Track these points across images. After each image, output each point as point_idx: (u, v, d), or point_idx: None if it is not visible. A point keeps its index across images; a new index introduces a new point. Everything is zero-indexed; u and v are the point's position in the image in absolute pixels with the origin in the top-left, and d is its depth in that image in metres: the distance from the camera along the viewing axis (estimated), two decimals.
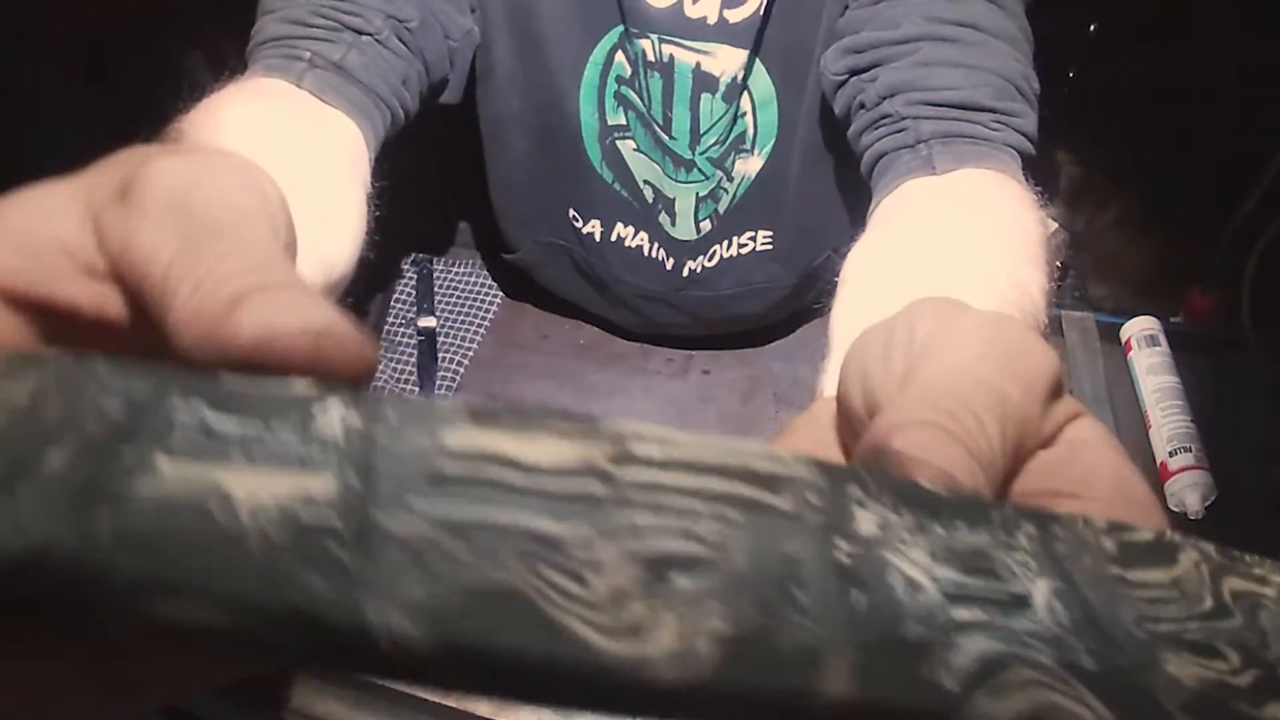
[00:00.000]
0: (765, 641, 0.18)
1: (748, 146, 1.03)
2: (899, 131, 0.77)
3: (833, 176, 1.04)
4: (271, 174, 0.25)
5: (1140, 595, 0.21)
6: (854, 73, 0.81)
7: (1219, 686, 0.20)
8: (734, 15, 0.93)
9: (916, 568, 0.20)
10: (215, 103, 0.68)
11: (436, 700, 0.80)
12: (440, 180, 1.31)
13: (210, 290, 0.21)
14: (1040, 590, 0.21)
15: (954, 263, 0.62)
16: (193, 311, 0.21)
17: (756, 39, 0.94)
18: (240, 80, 0.75)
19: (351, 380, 0.21)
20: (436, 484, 0.19)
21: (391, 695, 0.80)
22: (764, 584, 0.19)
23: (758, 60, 0.96)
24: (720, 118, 1.00)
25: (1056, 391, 0.25)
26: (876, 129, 0.79)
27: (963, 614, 0.19)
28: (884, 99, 0.78)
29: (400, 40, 0.84)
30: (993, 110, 0.75)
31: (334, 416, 0.19)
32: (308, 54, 0.77)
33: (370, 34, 0.81)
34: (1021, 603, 0.20)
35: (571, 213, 1.13)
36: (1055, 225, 1.24)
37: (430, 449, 0.19)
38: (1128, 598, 0.21)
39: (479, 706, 0.80)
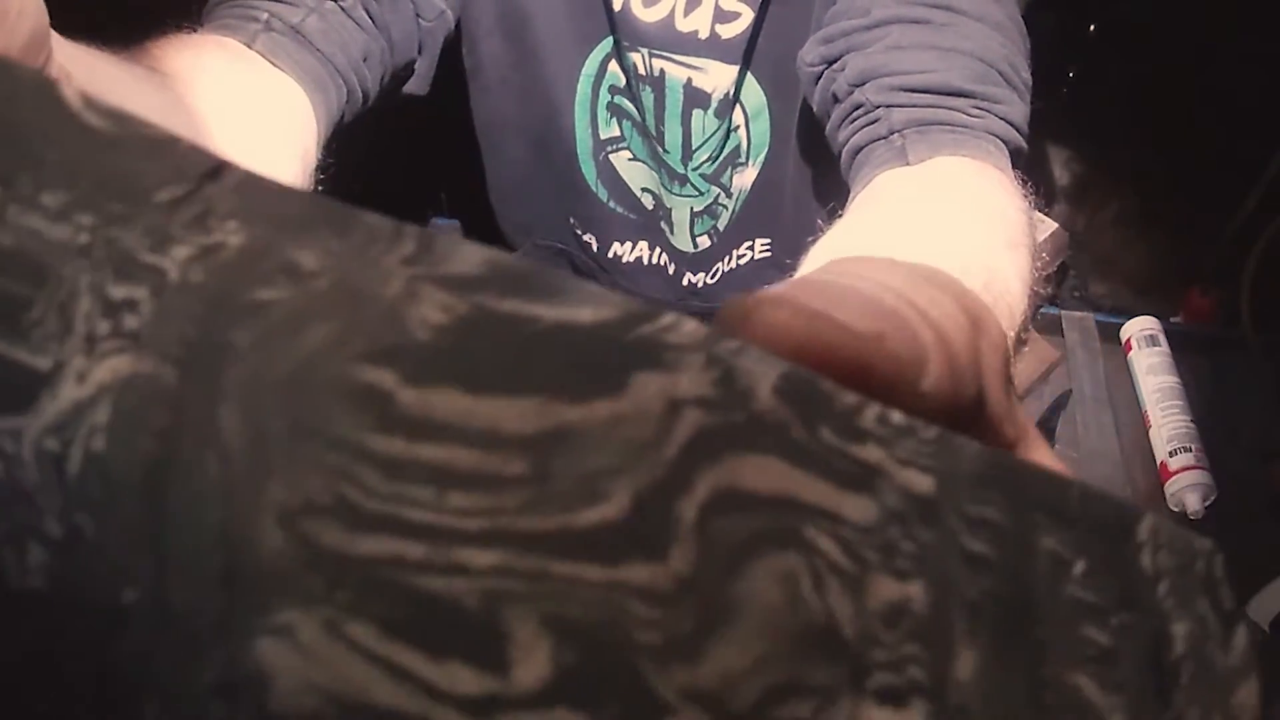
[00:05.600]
0: None
1: (743, 160, 0.95)
2: (872, 123, 0.67)
3: (827, 178, 0.96)
4: (188, 134, 0.19)
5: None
6: (827, 63, 0.73)
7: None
8: (726, 31, 0.86)
9: None
10: (143, 52, 0.58)
11: None
12: (433, 178, 1.24)
13: None
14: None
15: (918, 245, 0.52)
16: None
17: (747, 54, 0.86)
18: (184, 35, 0.66)
19: None
20: None
21: None
22: None
23: (748, 73, 0.88)
24: (712, 134, 0.93)
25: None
26: (851, 122, 0.70)
27: None
28: (855, 87, 0.69)
29: (367, 12, 0.76)
30: (970, 95, 0.65)
31: None
32: (264, 15, 0.69)
33: (335, 1, 0.73)
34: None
35: (571, 220, 1.06)
36: (1055, 225, 1.20)
37: None
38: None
39: None
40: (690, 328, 0.13)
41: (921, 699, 0.12)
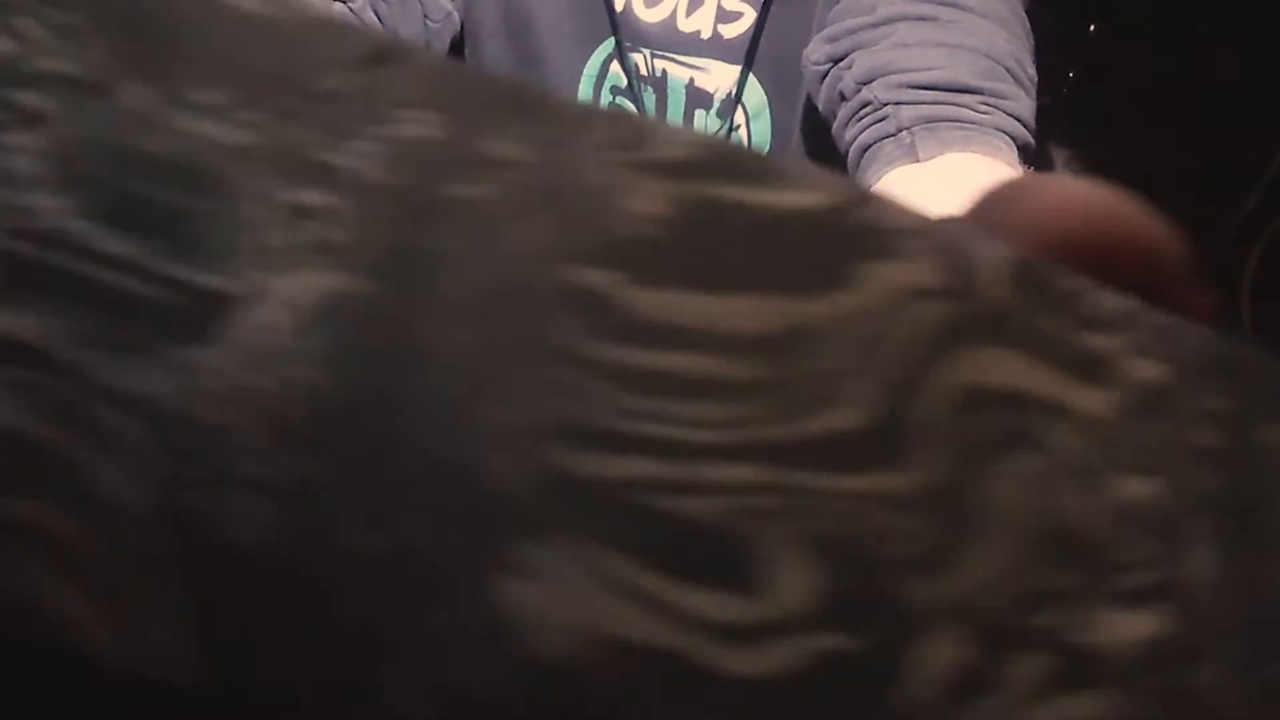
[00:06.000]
0: None
1: None
2: (880, 120, 0.67)
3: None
4: None
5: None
6: (833, 61, 0.73)
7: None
8: (728, 31, 0.86)
9: None
10: None
11: None
12: None
13: None
14: None
15: None
16: None
17: (749, 54, 0.86)
18: None
19: None
20: None
21: None
22: None
23: (750, 73, 0.89)
24: (715, 134, 0.91)
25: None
26: (859, 120, 0.70)
27: None
28: (862, 85, 0.69)
29: (375, 14, 0.77)
30: (978, 91, 0.65)
31: None
32: None
33: (344, 1, 0.74)
34: None
35: None
36: None
37: None
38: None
39: None
40: (913, 210, 0.12)
41: (1161, 600, 0.11)
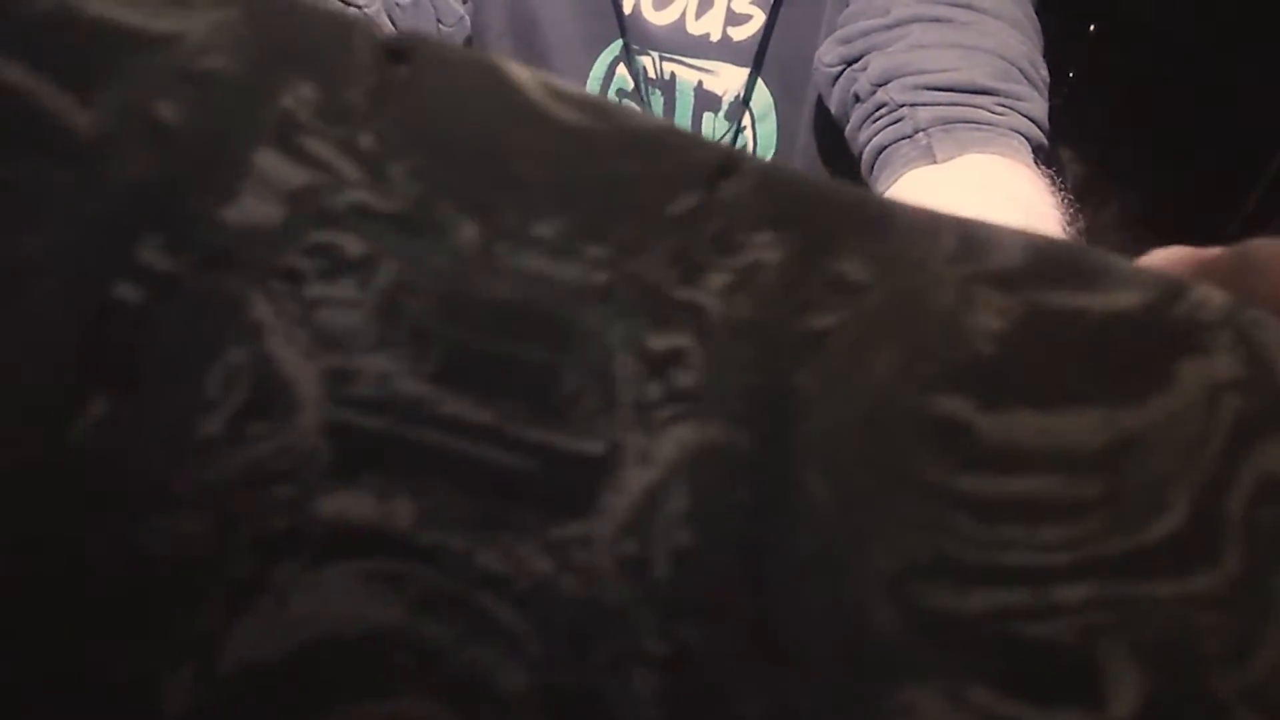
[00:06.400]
0: None
1: None
2: (896, 122, 0.67)
3: (836, 178, 0.95)
4: None
5: None
6: (847, 63, 0.73)
7: None
8: (738, 33, 0.86)
9: None
10: None
11: None
12: None
13: None
14: None
15: None
16: None
17: (758, 56, 0.86)
18: None
19: None
20: None
21: None
22: None
23: (758, 76, 0.89)
24: (722, 137, 0.92)
25: None
26: (874, 121, 0.69)
27: None
28: (878, 87, 0.69)
29: (390, 19, 0.78)
30: (994, 92, 0.66)
31: None
32: None
33: (359, 6, 0.74)
34: None
35: None
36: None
37: None
38: None
39: None
40: (1217, 300, 0.12)
41: None
